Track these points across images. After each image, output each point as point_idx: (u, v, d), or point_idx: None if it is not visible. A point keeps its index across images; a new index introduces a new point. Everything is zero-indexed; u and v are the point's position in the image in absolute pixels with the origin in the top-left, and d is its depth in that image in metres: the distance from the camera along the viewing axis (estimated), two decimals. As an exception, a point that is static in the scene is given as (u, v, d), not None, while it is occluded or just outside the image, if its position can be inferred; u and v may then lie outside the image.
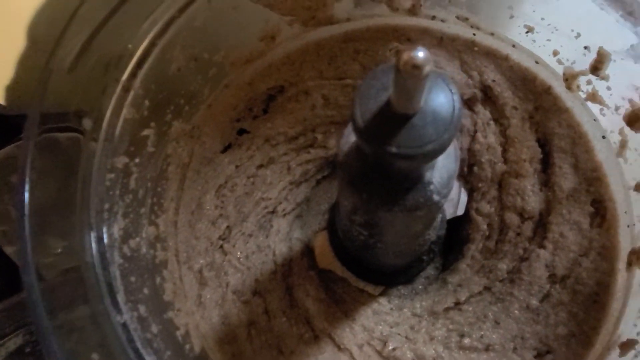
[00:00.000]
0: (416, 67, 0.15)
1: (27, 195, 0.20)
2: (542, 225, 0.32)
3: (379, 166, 0.21)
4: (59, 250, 0.21)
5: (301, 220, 0.39)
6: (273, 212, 0.37)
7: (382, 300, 0.35)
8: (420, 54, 0.15)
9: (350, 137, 0.23)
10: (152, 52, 0.27)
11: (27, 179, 0.20)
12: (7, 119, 0.52)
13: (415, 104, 0.17)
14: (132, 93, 0.26)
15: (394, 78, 0.16)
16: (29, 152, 0.22)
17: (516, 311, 0.31)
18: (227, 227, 0.35)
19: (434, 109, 0.18)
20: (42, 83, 0.21)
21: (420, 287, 0.37)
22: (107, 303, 0.21)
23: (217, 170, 0.36)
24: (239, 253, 0.34)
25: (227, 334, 0.31)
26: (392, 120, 0.18)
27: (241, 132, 0.37)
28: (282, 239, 0.36)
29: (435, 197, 0.22)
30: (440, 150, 0.18)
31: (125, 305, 0.22)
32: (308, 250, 0.37)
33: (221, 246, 0.34)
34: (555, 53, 0.31)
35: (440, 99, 0.18)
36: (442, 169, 0.22)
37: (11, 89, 0.42)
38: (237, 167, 0.36)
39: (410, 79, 0.16)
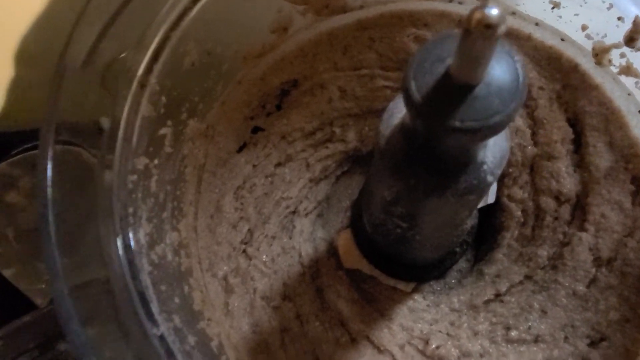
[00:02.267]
0: (489, 26, 0.14)
1: (50, 210, 0.18)
2: (580, 207, 0.31)
3: (428, 148, 0.20)
4: (85, 260, 0.19)
5: (322, 219, 0.37)
6: (294, 212, 0.35)
7: (417, 296, 0.33)
8: (494, 11, 0.14)
9: (391, 121, 0.22)
10: (166, 45, 0.25)
11: (49, 192, 0.18)
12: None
13: (481, 71, 0.16)
14: (148, 89, 0.24)
15: (461, 42, 0.15)
16: (47, 163, 0.20)
17: (563, 299, 0.29)
18: (249, 230, 0.33)
19: (497, 78, 0.16)
20: (56, 81, 0.19)
21: (453, 281, 0.35)
22: (141, 314, 0.19)
23: (234, 171, 0.34)
24: (264, 256, 0.32)
25: (259, 343, 0.29)
26: (452, 92, 0.16)
27: (256, 130, 0.35)
28: (306, 239, 0.35)
29: (489, 178, 0.21)
30: (507, 122, 0.17)
31: (160, 316, 0.20)
32: (333, 250, 0.35)
33: (244, 250, 0.32)
34: (584, 27, 0.30)
35: (503, 67, 0.17)
36: (495, 148, 0.21)
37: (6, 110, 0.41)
38: (254, 166, 0.35)
39: (482, 41, 0.14)
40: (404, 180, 0.21)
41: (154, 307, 0.20)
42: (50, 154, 0.19)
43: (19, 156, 0.48)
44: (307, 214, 0.36)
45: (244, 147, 0.35)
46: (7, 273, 0.49)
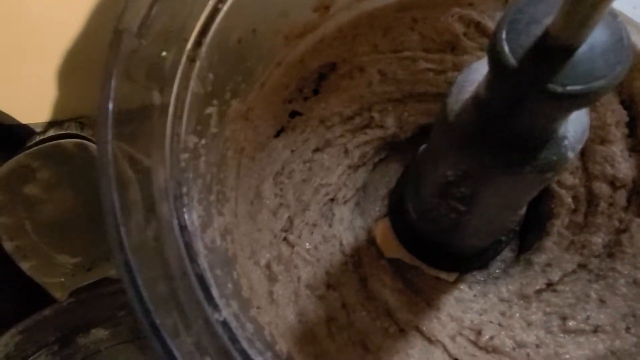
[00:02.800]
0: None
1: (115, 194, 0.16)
2: (637, 192, 0.30)
3: (508, 122, 0.19)
4: (150, 235, 0.18)
5: (360, 208, 0.36)
6: (333, 199, 0.34)
7: (463, 286, 0.32)
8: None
9: (461, 95, 0.20)
10: (215, 18, 0.24)
11: (113, 178, 0.17)
12: (11, 129, 0.49)
13: (589, 30, 0.15)
14: (197, 64, 0.23)
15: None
16: (108, 145, 0.18)
17: (622, 287, 0.28)
18: (289, 217, 0.32)
19: (600, 38, 0.15)
20: (114, 46, 0.18)
21: (497, 271, 0.34)
22: (201, 298, 0.18)
23: (272, 156, 0.33)
24: (307, 244, 0.31)
25: (306, 333, 0.27)
26: (553, 54, 0.15)
27: (293, 114, 0.34)
28: (346, 227, 0.34)
29: (570, 154, 0.19)
30: (612, 86, 0.15)
31: (220, 301, 0.19)
32: (372, 239, 0.34)
33: (285, 238, 0.31)
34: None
35: (606, 27, 0.15)
36: (576, 122, 0.19)
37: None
38: (292, 151, 0.33)
39: (600, -6, 0.13)
40: (477, 156, 0.20)
41: (214, 291, 0.19)
42: (109, 136, 0.18)
43: (36, 147, 0.47)
44: (345, 202, 0.35)
45: (282, 131, 0.33)
46: (25, 266, 0.47)
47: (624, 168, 0.30)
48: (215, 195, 0.26)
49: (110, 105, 0.17)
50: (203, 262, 0.20)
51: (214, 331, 0.18)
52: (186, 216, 0.20)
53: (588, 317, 0.28)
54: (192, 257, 0.19)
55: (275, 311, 0.27)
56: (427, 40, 0.34)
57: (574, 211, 0.31)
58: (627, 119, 0.31)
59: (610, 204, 0.30)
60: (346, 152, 0.35)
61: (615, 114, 0.31)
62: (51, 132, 0.50)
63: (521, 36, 0.16)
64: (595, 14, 0.14)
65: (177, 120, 0.21)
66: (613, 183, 0.30)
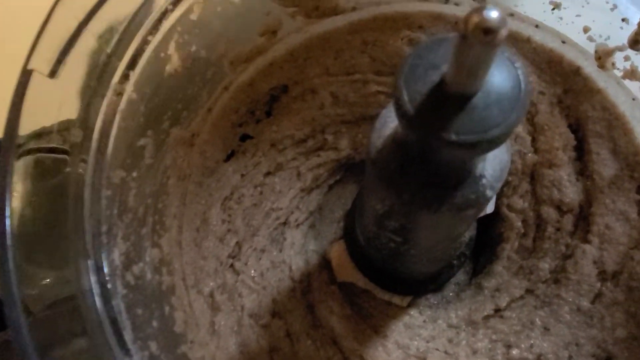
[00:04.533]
0: (489, 31, 0.12)
1: (8, 222, 0.16)
2: (583, 218, 0.30)
3: (423, 161, 0.18)
4: (48, 280, 0.18)
5: (314, 231, 0.36)
6: (285, 223, 0.34)
7: (413, 311, 0.32)
8: (494, 14, 0.12)
9: (384, 130, 0.20)
10: (144, 50, 0.24)
11: (7, 205, 0.17)
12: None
13: (479, 80, 0.14)
14: (125, 98, 0.23)
15: (457, 48, 0.13)
16: (7, 175, 0.18)
17: (566, 315, 0.28)
18: (237, 243, 0.31)
19: (496, 86, 0.15)
20: (20, 90, 0.18)
21: (451, 294, 0.34)
22: (113, 343, 0.18)
23: (221, 181, 0.32)
24: (252, 271, 0.30)
25: (247, 364, 0.27)
26: (448, 102, 0.15)
27: (244, 137, 0.34)
28: (297, 252, 0.33)
29: (489, 193, 0.19)
30: (507, 134, 0.15)
31: (134, 345, 0.18)
32: (325, 263, 0.34)
33: (232, 265, 0.31)
34: (585, 30, 0.29)
35: (503, 74, 0.15)
36: (494, 160, 0.19)
37: None
38: (242, 176, 0.33)
39: (480, 47, 0.13)
40: (397, 193, 0.19)
41: (127, 335, 0.18)
42: (12, 166, 0.17)
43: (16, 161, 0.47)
44: (298, 225, 0.34)
45: (232, 155, 0.33)
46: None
47: (570, 192, 0.30)
48: (151, 226, 0.25)
49: (15, 148, 0.17)
50: (119, 303, 0.19)
51: (122, 378, 0.17)
52: (104, 255, 0.20)
53: (532, 345, 0.27)
54: (107, 300, 0.19)
55: (216, 343, 0.27)
56: (377, 62, 0.34)
57: (524, 235, 0.31)
58: (574, 142, 0.31)
59: (558, 229, 0.30)
60: (299, 175, 0.34)
61: (562, 137, 0.31)
62: (32, 144, 0.50)
63: (419, 83, 0.15)
64: (483, 65, 0.14)
65: (99, 156, 0.21)
66: (560, 207, 0.30)
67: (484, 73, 0.14)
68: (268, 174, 0.34)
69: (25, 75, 0.18)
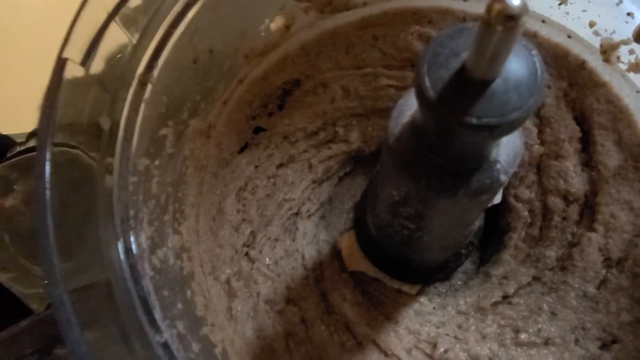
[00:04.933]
0: (511, 17, 0.13)
1: (48, 196, 0.17)
2: (589, 207, 0.30)
3: (440, 147, 0.19)
4: (84, 265, 0.18)
5: (325, 221, 0.37)
6: (297, 213, 0.35)
7: (423, 299, 0.32)
8: (516, 1, 0.13)
9: (401, 119, 0.21)
10: (167, 42, 0.24)
11: (47, 195, 0.18)
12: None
13: (500, 65, 0.15)
14: (149, 87, 0.23)
15: (479, 34, 0.14)
16: (45, 165, 0.19)
17: (573, 300, 0.28)
18: (251, 232, 0.32)
19: (515, 72, 0.16)
20: (55, 79, 0.19)
21: (459, 282, 0.34)
22: (144, 321, 0.19)
23: (235, 172, 0.33)
24: (267, 259, 0.31)
25: (264, 349, 0.28)
26: (469, 88, 0.16)
27: (257, 130, 0.35)
28: (309, 241, 0.34)
29: (503, 178, 0.20)
30: (525, 118, 0.16)
31: (163, 323, 0.19)
32: (337, 253, 0.35)
33: (246, 253, 0.32)
34: (591, 24, 0.29)
35: (521, 61, 0.16)
36: (508, 146, 0.20)
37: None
38: (256, 167, 0.34)
39: (502, 33, 0.14)
40: (414, 179, 0.20)
41: (157, 314, 0.19)
42: (48, 155, 0.18)
43: (15, 159, 0.47)
44: (309, 216, 0.35)
45: (246, 147, 0.34)
46: (3, 277, 0.48)
47: (576, 183, 0.31)
48: (172, 214, 0.26)
49: (49, 138, 0.18)
50: (148, 284, 0.20)
51: (153, 354, 0.18)
52: (132, 238, 0.21)
53: (539, 330, 0.28)
54: (137, 280, 0.19)
55: (233, 327, 0.28)
56: (388, 57, 0.34)
57: (530, 225, 0.32)
58: (580, 134, 0.31)
59: (564, 218, 0.31)
60: (310, 167, 0.35)
61: (568, 129, 0.32)
62: (32, 143, 0.50)
63: (441, 69, 0.16)
64: (503, 50, 0.15)
65: (126, 144, 0.22)
66: (566, 197, 0.31)
67: (504, 59, 0.15)
68: (280, 165, 0.35)
69: (60, 64, 0.19)
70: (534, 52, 0.16)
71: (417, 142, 0.20)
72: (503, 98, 0.16)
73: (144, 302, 0.19)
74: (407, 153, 0.20)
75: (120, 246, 0.20)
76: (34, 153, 0.48)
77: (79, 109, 0.21)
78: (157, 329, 0.19)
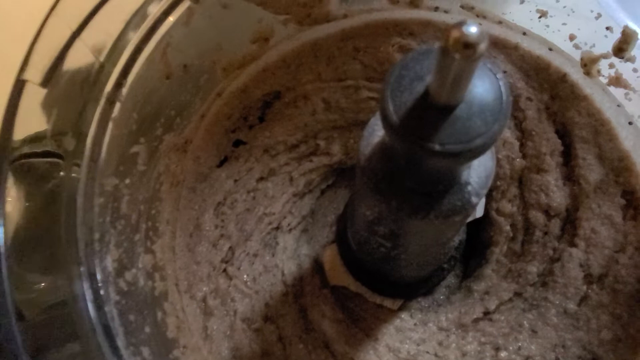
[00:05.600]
0: (469, 45, 0.13)
1: (1, 229, 0.16)
2: (570, 222, 0.30)
3: (410, 169, 0.19)
4: (43, 285, 0.18)
5: (307, 235, 0.36)
6: (277, 228, 0.34)
7: (404, 315, 0.32)
8: (473, 29, 0.13)
9: (372, 138, 0.21)
10: (137, 59, 0.24)
11: (1, 212, 0.17)
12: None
13: (461, 92, 0.15)
14: (117, 106, 0.23)
15: (438, 62, 0.14)
16: (1, 181, 0.18)
17: (553, 317, 0.28)
18: (230, 248, 0.32)
19: (479, 97, 0.16)
20: (13, 99, 0.18)
21: (441, 297, 0.34)
22: (105, 348, 0.18)
23: (214, 187, 0.33)
24: (245, 276, 0.31)
25: (240, 368, 0.27)
26: (432, 113, 0.15)
27: (237, 143, 0.34)
28: (289, 256, 0.34)
29: (474, 199, 0.20)
30: (490, 144, 0.16)
31: (126, 351, 0.19)
32: (318, 267, 0.34)
33: (225, 270, 0.31)
34: (571, 37, 0.29)
35: (485, 85, 0.16)
36: (479, 168, 0.20)
37: None
38: (235, 181, 0.33)
39: (460, 61, 0.13)
40: (385, 200, 0.20)
41: (120, 341, 0.19)
42: (5, 174, 0.18)
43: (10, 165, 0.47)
44: (290, 230, 0.35)
45: (225, 161, 0.33)
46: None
47: (558, 197, 0.30)
48: (144, 232, 0.25)
49: (8, 156, 0.17)
50: (112, 310, 0.19)
51: (114, 384, 0.18)
52: (96, 262, 0.20)
53: (520, 348, 0.28)
54: (99, 306, 0.19)
55: (209, 347, 0.27)
56: (369, 69, 0.34)
57: (512, 239, 0.32)
58: (561, 148, 0.31)
59: (545, 233, 0.30)
60: (291, 180, 0.35)
61: (550, 143, 0.31)
62: (26, 149, 0.50)
63: (405, 93, 0.16)
64: (464, 77, 0.14)
65: (92, 164, 0.21)
66: (547, 212, 0.31)
67: (466, 85, 0.15)
68: (261, 179, 0.34)
69: (19, 86, 0.18)
70: (499, 75, 0.16)
71: (388, 163, 0.20)
72: (467, 124, 0.15)
73: (107, 328, 0.19)
74: (378, 173, 0.20)
75: (83, 271, 0.19)
76: (26, 160, 0.47)
77: (41, 130, 0.20)
78: (119, 358, 0.18)
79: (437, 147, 0.15)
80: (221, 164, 0.33)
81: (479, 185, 0.20)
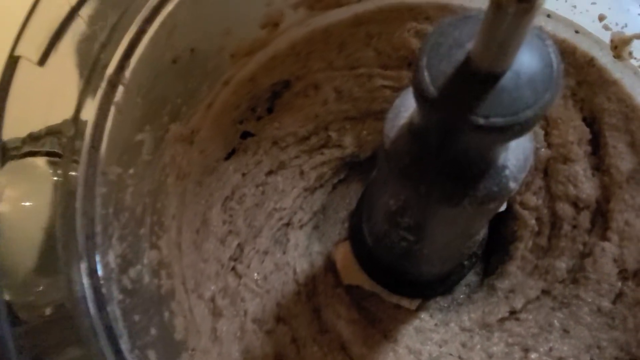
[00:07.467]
0: (526, -3, 0.11)
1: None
2: (601, 214, 0.28)
3: (442, 151, 0.17)
4: (41, 287, 0.16)
5: (318, 232, 0.34)
6: (288, 224, 0.32)
7: (423, 315, 0.30)
8: (532, -22, 0.11)
9: (397, 120, 0.19)
10: (141, 39, 0.22)
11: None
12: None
13: (510, 56, 0.13)
14: (121, 89, 0.21)
15: (487, 18, 0.12)
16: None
17: (586, 316, 0.26)
18: (239, 244, 0.30)
19: (527, 64, 0.14)
20: (6, 79, 0.16)
21: (462, 296, 0.32)
22: (108, 354, 0.16)
23: (221, 181, 0.31)
24: (255, 274, 0.29)
25: (251, 372, 0.26)
26: (475, 82, 0.14)
27: (245, 135, 0.32)
28: (301, 254, 0.32)
29: (512, 185, 0.18)
30: (540, 116, 0.14)
31: (131, 354, 0.17)
32: (331, 265, 0.32)
33: (233, 268, 0.29)
34: (601, 18, 0.27)
35: (533, 51, 0.14)
36: (517, 149, 0.18)
37: None
38: (243, 175, 0.32)
39: (514, 17, 0.12)
40: (413, 187, 0.18)
41: (124, 343, 0.17)
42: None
43: (7, 164, 0.45)
44: (301, 226, 0.33)
45: (233, 153, 0.32)
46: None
47: (587, 188, 0.29)
48: (149, 227, 0.24)
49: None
50: (115, 310, 0.18)
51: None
52: (98, 257, 0.18)
53: (551, 349, 0.26)
54: (101, 306, 0.17)
55: (218, 350, 0.25)
56: (383, 56, 0.32)
57: (538, 234, 0.30)
58: (589, 136, 0.29)
59: (574, 226, 0.29)
60: (302, 173, 0.33)
61: (577, 131, 0.30)
62: (25, 148, 0.48)
63: (443, 62, 0.14)
64: (515, 38, 0.13)
65: (93, 151, 0.20)
66: (576, 204, 0.29)
67: (516, 48, 0.13)
68: (270, 172, 0.32)
69: (12, 62, 0.17)
70: (549, 41, 0.14)
71: (416, 145, 0.18)
72: (514, 94, 0.14)
73: (109, 330, 0.17)
74: (404, 157, 0.18)
75: (84, 267, 0.18)
76: (25, 159, 0.46)
77: (38, 111, 0.19)
78: (124, 362, 0.17)
79: (481, 120, 0.13)
80: (229, 156, 0.32)
81: (517, 168, 0.18)
